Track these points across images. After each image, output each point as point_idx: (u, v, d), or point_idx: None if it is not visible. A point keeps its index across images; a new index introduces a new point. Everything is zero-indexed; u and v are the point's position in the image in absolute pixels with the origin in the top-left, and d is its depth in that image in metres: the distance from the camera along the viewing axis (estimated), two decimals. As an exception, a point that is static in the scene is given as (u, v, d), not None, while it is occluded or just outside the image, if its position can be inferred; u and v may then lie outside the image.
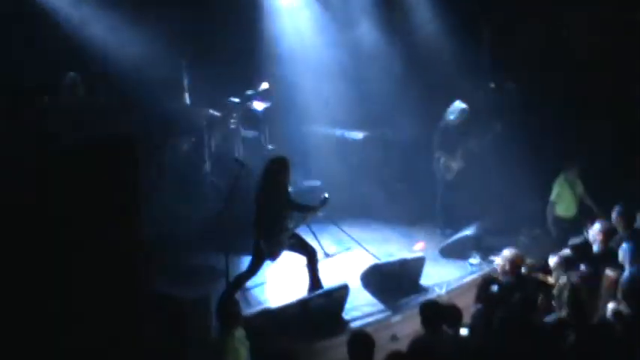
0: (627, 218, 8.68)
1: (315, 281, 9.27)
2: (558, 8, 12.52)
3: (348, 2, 13.41)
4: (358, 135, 13.12)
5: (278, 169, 9.11)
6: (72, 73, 10.38)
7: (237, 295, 8.75)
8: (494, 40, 13.59)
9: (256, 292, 9.64)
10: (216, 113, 11.86)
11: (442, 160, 11.37)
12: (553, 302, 7.52)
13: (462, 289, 9.79)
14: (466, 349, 6.34)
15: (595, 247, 8.63)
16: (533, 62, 12.87)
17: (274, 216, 8.99)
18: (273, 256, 9.16)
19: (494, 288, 7.34)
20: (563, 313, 7.04)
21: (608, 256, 8.23)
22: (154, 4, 11.60)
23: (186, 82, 11.83)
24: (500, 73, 13.52)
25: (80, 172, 5.98)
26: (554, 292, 7.59)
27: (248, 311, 8.41)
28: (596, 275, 7.86)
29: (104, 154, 6.20)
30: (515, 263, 8.04)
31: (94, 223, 6.01)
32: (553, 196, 10.65)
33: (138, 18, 11.36)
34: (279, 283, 9.99)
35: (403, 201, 12.73)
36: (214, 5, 12.47)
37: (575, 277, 7.64)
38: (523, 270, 8.20)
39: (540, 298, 7.56)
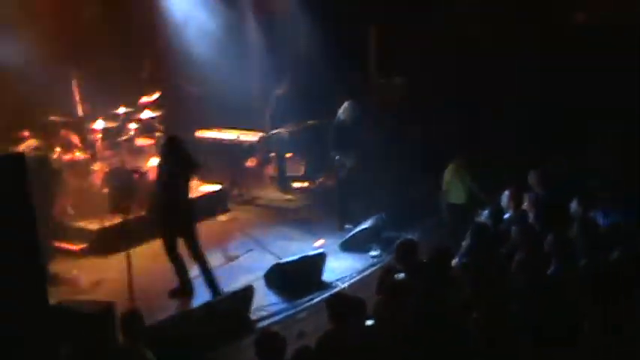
0: (517, 199, 8.71)
1: (211, 284, 9.18)
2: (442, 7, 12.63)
3: (233, 6, 13.21)
4: (253, 137, 12.92)
5: (177, 145, 9.10)
6: None
7: (139, 305, 8.39)
8: (381, 38, 13.61)
9: (159, 300, 9.24)
10: (110, 124, 11.52)
11: (337, 157, 11.24)
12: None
13: (363, 281, 9.72)
14: (373, 340, 6.20)
15: (508, 214, 8.64)
16: (418, 58, 12.91)
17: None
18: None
19: (400, 276, 7.20)
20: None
21: (501, 237, 8.22)
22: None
23: (76, 92, 11.30)
24: (388, 70, 13.56)
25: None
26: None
27: (152, 320, 8.04)
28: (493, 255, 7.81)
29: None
30: (410, 251, 7.89)
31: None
32: (444, 185, 10.68)
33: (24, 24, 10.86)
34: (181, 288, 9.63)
35: (302, 199, 12.71)
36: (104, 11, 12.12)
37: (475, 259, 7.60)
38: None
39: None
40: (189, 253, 9.26)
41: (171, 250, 9.23)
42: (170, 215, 9.18)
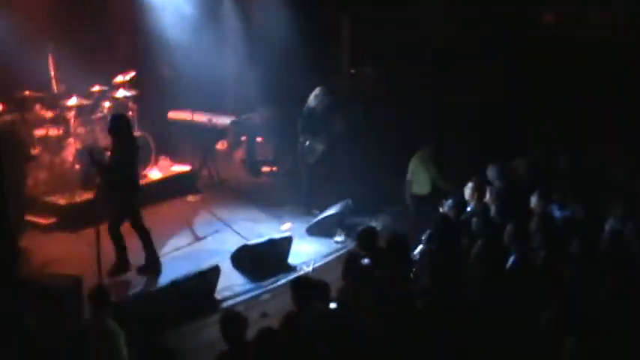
0: (480, 192, 8.82)
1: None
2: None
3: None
4: (225, 120, 12.91)
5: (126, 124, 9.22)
6: None
7: (107, 281, 8.40)
8: (354, 29, 13.66)
9: (127, 277, 9.25)
10: (85, 102, 11.42)
11: (306, 143, 11.27)
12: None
13: (328, 266, 9.78)
14: (335, 323, 6.27)
15: (471, 206, 8.73)
16: (391, 49, 12.98)
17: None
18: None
19: (365, 261, 7.28)
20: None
21: (462, 228, 8.33)
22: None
23: (52, 69, 11.18)
24: (359, 60, 13.60)
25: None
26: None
27: (119, 296, 8.06)
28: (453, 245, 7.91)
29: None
30: (371, 238, 7.97)
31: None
32: (409, 175, 10.76)
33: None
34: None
35: (271, 183, 12.74)
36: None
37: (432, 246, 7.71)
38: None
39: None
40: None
41: (116, 229, 9.21)
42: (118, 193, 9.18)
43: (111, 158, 9.18)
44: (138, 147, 9.45)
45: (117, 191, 9.08)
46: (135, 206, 9.28)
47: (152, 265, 9.33)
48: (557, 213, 8.32)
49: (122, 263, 9.26)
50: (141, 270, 9.31)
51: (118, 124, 9.17)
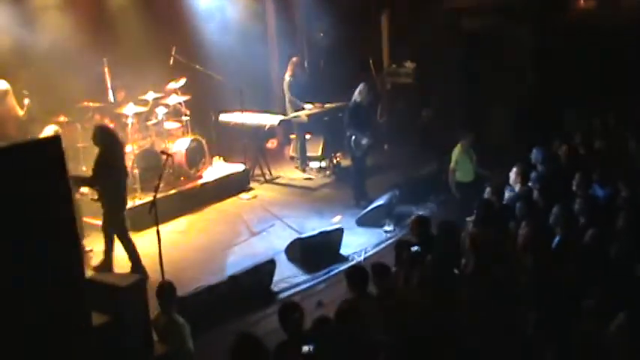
0: (523, 176, 8.76)
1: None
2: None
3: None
4: (274, 119, 12.99)
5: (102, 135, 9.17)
6: None
7: (170, 277, 8.53)
8: (393, 28, 13.68)
9: (189, 273, 9.39)
10: (140, 109, 11.62)
11: (353, 137, 11.29)
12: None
13: (378, 255, 9.77)
14: (390, 308, 6.30)
15: (516, 188, 8.69)
16: (427, 44, 12.96)
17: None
18: None
19: (414, 249, 7.30)
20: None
21: (508, 211, 8.28)
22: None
23: (108, 79, 11.40)
24: (400, 57, 13.61)
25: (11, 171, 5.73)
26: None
27: (183, 292, 8.18)
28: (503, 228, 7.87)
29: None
30: (422, 224, 7.99)
31: (27, 215, 5.76)
32: (452, 164, 10.71)
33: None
34: (207, 262, 9.81)
35: (320, 177, 12.81)
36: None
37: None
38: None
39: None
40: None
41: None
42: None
43: (93, 169, 9.09)
44: (122, 159, 9.47)
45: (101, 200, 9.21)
46: (114, 215, 9.28)
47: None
48: (599, 192, 8.23)
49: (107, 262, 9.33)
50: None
51: (101, 136, 9.12)
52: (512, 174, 8.84)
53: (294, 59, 13.08)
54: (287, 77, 13.00)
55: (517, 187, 8.79)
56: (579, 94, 11.48)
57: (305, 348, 5.74)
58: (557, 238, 7.04)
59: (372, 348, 5.61)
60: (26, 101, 10.59)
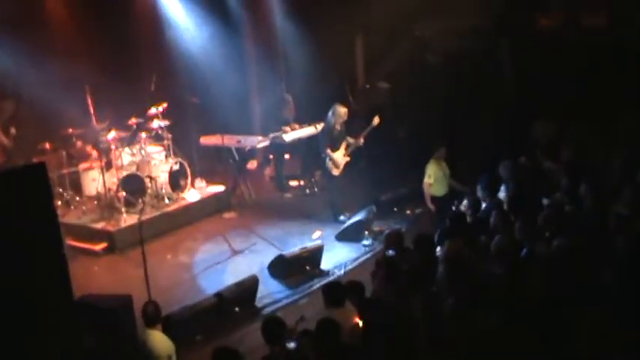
0: (492, 190, 8.86)
1: None
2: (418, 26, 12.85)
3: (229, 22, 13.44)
4: (253, 141, 13.03)
5: None
6: None
7: (155, 297, 8.55)
8: (368, 50, 13.84)
9: (174, 292, 9.39)
10: (123, 134, 11.65)
11: (329, 157, 11.35)
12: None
13: (358, 268, 9.86)
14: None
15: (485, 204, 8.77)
16: (402, 67, 13.14)
17: None
18: None
19: (390, 253, 7.36)
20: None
21: (480, 224, 8.36)
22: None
23: (91, 106, 11.43)
24: (373, 77, 13.76)
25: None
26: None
27: (168, 310, 8.19)
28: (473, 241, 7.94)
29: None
30: (397, 238, 8.07)
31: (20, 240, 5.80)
32: (426, 178, 10.77)
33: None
34: (192, 280, 9.85)
35: (299, 196, 12.87)
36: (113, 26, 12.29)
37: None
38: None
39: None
40: None
41: None
42: None
43: None
44: None
45: None
46: None
47: None
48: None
49: None
50: None
51: None
52: (481, 188, 8.89)
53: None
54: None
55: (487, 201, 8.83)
56: (550, 108, 11.59)
57: (290, 345, 5.81)
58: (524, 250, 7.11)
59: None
60: (12, 130, 10.61)
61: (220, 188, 12.60)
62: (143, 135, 11.73)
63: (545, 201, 8.30)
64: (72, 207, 11.60)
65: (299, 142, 12.97)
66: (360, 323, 6.28)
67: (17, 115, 11.33)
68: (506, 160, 9.44)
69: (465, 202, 8.86)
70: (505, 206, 8.47)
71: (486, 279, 6.65)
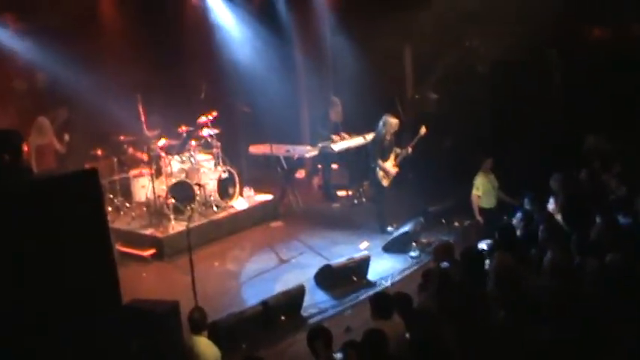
0: (539, 203, 8.69)
1: None
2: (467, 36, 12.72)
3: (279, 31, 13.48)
4: (302, 150, 13.03)
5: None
6: None
7: (202, 303, 8.57)
8: (417, 62, 13.77)
9: (221, 299, 9.40)
10: (173, 142, 11.76)
11: (379, 168, 11.28)
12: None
13: (405, 280, 9.75)
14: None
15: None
16: (449, 77, 13.02)
17: None
18: None
19: (444, 265, 7.26)
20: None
21: (531, 237, 8.20)
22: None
23: (142, 114, 11.55)
24: (423, 87, 13.67)
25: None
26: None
27: (215, 317, 8.20)
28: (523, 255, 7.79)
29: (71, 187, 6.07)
30: (447, 251, 7.97)
31: (67, 241, 5.84)
32: (474, 190, 10.66)
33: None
34: (239, 288, 9.84)
35: (347, 206, 12.80)
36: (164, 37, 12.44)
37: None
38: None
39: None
40: None
41: None
42: None
43: None
44: None
45: None
46: None
47: None
48: (621, 220, 8.11)
49: None
50: None
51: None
52: (529, 200, 8.74)
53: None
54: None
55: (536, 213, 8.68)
56: (600, 122, 11.36)
57: (336, 355, 5.76)
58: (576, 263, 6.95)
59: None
60: (66, 136, 10.79)
61: (268, 197, 12.60)
62: (193, 143, 11.82)
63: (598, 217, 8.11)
64: (122, 213, 11.73)
65: (347, 152, 12.91)
66: (408, 336, 6.19)
67: (70, 121, 11.51)
68: (555, 172, 9.28)
69: (518, 214, 8.73)
70: (559, 218, 8.33)
71: (537, 293, 6.52)
